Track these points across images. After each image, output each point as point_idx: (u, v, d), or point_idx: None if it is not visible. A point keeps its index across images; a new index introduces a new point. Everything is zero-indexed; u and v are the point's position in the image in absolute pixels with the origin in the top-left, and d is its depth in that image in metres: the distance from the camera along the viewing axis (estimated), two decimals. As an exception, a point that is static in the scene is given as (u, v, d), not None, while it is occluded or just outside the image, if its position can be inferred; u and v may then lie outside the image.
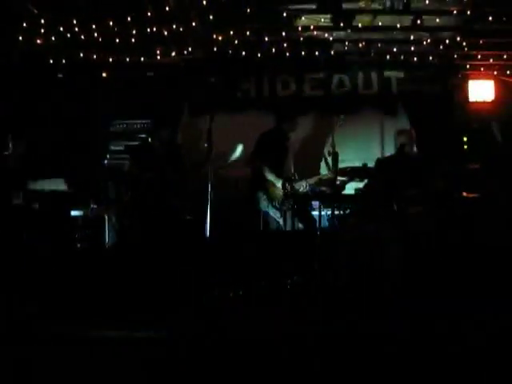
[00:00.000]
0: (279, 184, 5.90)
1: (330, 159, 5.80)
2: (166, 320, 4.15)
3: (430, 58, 6.84)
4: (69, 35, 6.12)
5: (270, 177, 5.93)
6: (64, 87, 7.01)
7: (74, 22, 5.87)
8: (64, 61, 6.78)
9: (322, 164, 6.47)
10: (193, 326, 4.04)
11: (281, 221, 5.94)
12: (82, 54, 6.63)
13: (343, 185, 5.87)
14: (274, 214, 5.92)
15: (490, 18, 5.77)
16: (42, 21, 5.77)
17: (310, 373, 3.18)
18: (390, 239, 5.23)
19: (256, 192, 5.97)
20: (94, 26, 6.01)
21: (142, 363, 3.28)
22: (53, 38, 6.17)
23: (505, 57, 6.75)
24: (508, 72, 7.15)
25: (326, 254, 5.44)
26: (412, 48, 6.62)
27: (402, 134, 6.10)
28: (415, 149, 6.06)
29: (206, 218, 5.06)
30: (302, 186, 5.99)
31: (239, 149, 5.81)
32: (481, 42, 6.42)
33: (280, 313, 4.48)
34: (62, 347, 3.60)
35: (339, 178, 5.70)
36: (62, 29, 5.99)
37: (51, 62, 6.74)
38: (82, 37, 6.18)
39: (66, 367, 3.24)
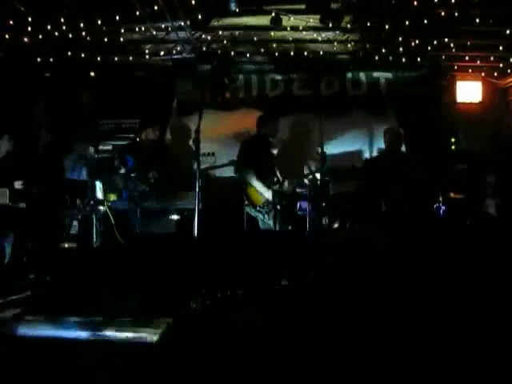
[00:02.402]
0: (264, 191, 5.88)
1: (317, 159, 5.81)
2: (154, 321, 4.12)
3: (419, 59, 6.86)
4: (56, 34, 6.08)
5: (256, 184, 5.91)
6: (51, 86, 6.97)
7: (62, 20, 5.83)
8: (52, 60, 6.73)
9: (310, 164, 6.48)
10: (181, 328, 4.02)
11: (269, 222, 5.93)
12: (69, 53, 6.59)
13: (327, 185, 5.85)
14: (259, 216, 5.93)
15: (478, 20, 5.80)
16: (30, 19, 5.73)
17: (298, 372, 3.18)
18: (378, 240, 5.25)
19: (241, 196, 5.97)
20: (81, 25, 5.97)
21: (132, 365, 3.27)
22: (40, 37, 6.12)
23: (492, 58, 6.79)
24: (495, 73, 7.19)
25: (315, 255, 5.45)
26: (400, 49, 6.64)
27: (390, 133, 6.12)
28: (403, 148, 6.08)
29: (193, 217, 5.04)
30: (286, 187, 5.97)
31: None
32: (468, 43, 6.45)
33: (268, 313, 4.47)
34: (52, 348, 3.59)
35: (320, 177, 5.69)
36: (49, 27, 5.95)
37: (39, 60, 6.69)
38: (70, 36, 6.15)
39: (56, 368, 3.22)
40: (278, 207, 5.77)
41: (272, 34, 6.32)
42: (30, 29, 5.92)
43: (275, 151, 6.46)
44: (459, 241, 5.48)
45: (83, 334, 3.81)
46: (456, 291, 4.66)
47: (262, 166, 5.99)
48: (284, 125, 7.07)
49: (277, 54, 6.88)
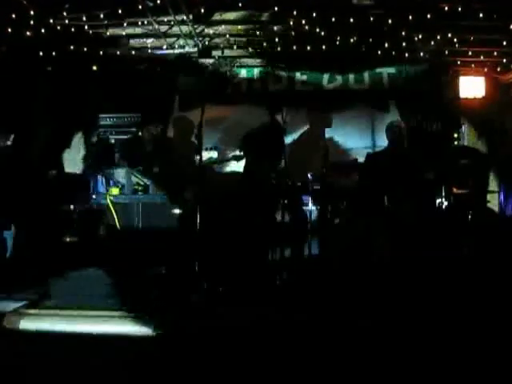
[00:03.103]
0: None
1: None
2: (154, 317, 4.12)
3: (422, 54, 6.84)
4: (58, 28, 6.07)
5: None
6: (53, 80, 6.96)
7: (64, 14, 5.82)
8: (54, 53, 6.71)
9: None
10: (181, 323, 4.02)
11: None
12: (72, 47, 6.57)
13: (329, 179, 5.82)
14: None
15: (481, 15, 5.78)
16: (32, 12, 5.71)
17: (299, 368, 3.18)
18: (380, 236, 5.25)
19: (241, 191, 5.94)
20: (84, 19, 5.96)
21: (132, 360, 3.27)
22: (42, 31, 6.11)
23: (495, 53, 6.77)
24: (498, 69, 7.17)
25: (317, 249, 5.46)
26: (403, 44, 6.61)
27: (392, 129, 6.09)
28: (406, 144, 6.07)
29: (196, 212, 5.03)
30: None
31: None
32: (471, 38, 6.43)
33: (270, 308, 4.47)
34: (52, 342, 3.59)
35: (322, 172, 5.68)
36: (51, 21, 5.94)
37: (41, 54, 6.67)
38: (72, 29, 6.14)
39: (57, 364, 3.22)
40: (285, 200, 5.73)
41: (275, 28, 6.30)
42: (31, 22, 5.90)
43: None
44: (461, 237, 5.48)
45: (84, 329, 3.83)
46: (457, 288, 4.66)
47: (275, 154, 5.92)
48: (287, 119, 7.10)
49: (279, 48, 6.85)
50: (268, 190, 5.74)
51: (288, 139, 6.59)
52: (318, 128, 7.13)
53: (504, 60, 6.93)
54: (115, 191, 5.55)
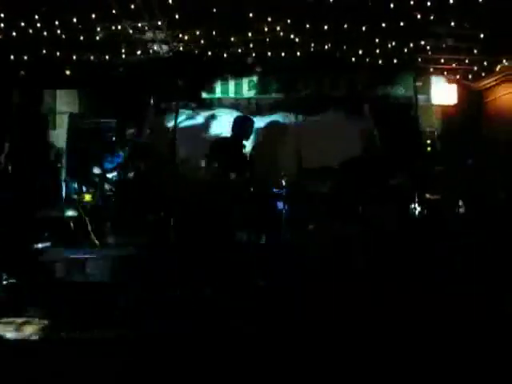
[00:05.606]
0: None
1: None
2: (140, 318, 4.10)
3: (395, 60, 6.92)
4: (30, 31, 5.99)
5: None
6: (26, 85, 6.87)
7: (36, 17, 5.75)
8: (26, 57, 6.62)
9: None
10: (167, 325, 4.01)
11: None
12: (44, 51, 6.49)
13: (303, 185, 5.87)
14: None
15: (453, 24, 5.89)
16: (2, 15, 5.64)
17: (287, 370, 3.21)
18: (357, 238, 5.30)
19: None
20: (56, 23, 5.90)
21: (120, 362, 3.26)
22: (14, 34, 6.03)
23: (467, 61, 6.88)
24: (470, 76, 7.29)
25: (293, 255, 5.47)
26: (377, 51, 6.68)
27: (366, 135, 6.16)
28: (378, 150, 6.14)
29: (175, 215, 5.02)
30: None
31: None
32: (444, 46, 6.53)
33: (253, 310, 4.46)
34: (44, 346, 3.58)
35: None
36: (23, 24, 5.87)
37: (12, 58, 6.58)
38: (45, 33, 6.07)
39: (48, 366, 3.18)
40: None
41: (250, 34, 6.31)
42: (2, 25, 5.83)
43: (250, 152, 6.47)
44: (435, 239, 5.55)
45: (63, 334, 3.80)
46: (433, 287, 4.72)
47: (230, 166, 5.94)
48: (260, 125, 7.13)
49: (254, 54, 6.87)
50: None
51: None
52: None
53: (475, 68, 7.05)
54: (88, 198, 5.51)
